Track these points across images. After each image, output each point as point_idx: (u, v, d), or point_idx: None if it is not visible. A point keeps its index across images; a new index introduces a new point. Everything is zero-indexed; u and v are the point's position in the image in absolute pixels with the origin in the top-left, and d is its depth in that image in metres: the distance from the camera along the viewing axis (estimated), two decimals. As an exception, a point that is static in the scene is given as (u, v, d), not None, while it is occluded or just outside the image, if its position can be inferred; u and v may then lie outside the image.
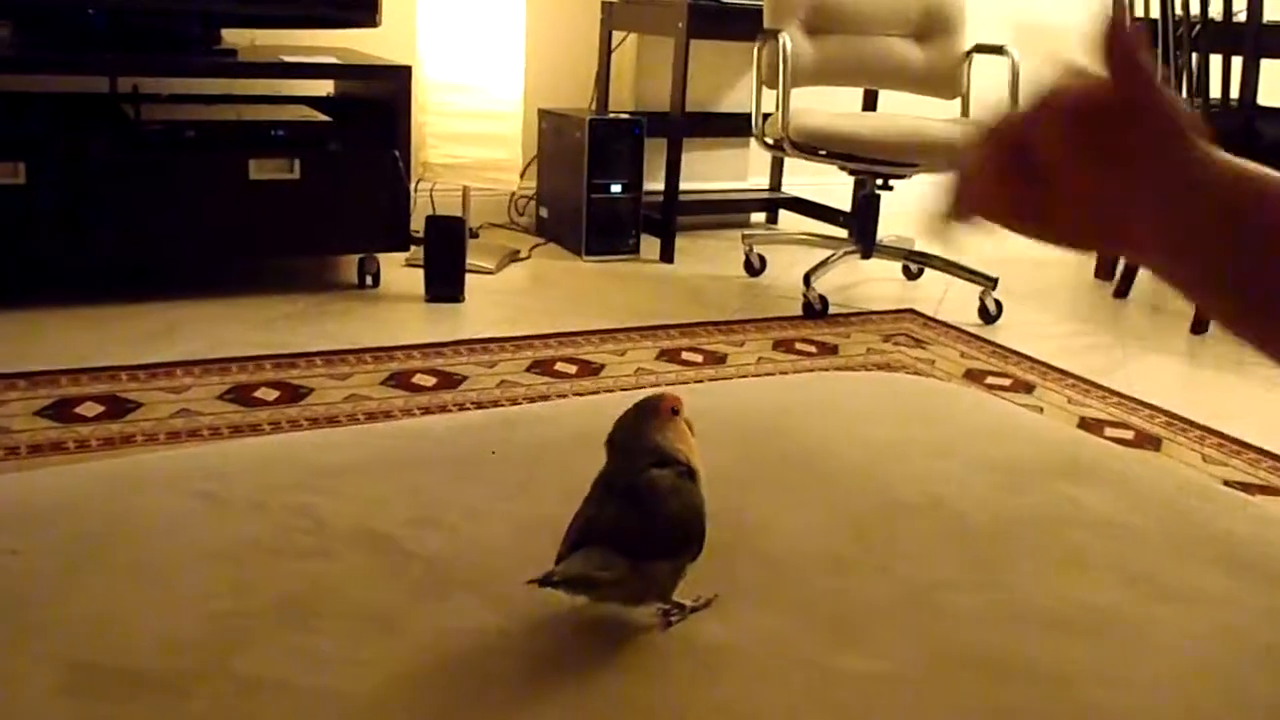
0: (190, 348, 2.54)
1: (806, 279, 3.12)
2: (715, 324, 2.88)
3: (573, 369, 2.56)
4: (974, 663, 0.60)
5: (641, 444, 0.62)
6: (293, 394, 2.32)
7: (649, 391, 0.64)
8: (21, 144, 2.67)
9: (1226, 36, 2.99)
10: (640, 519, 0.60)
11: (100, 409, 2.18)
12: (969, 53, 3.40)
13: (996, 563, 0.71)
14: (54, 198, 2.68)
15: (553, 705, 0.55)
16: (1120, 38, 0.50)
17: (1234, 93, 3.02)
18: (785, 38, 3.12)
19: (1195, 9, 3.03)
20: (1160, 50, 3.18)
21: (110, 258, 2.81)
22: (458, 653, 0.58)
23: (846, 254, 3.31)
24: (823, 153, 3.04)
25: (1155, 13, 3.19)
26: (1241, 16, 2.94)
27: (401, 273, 3.19)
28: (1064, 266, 3.78)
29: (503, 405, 2.25)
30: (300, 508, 0.72)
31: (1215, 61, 3.05)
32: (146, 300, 2.83)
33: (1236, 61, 3.00)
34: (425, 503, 0.74)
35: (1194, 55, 3.10)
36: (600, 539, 0.59)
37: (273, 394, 2.31)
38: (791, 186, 4.18)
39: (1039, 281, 3.46)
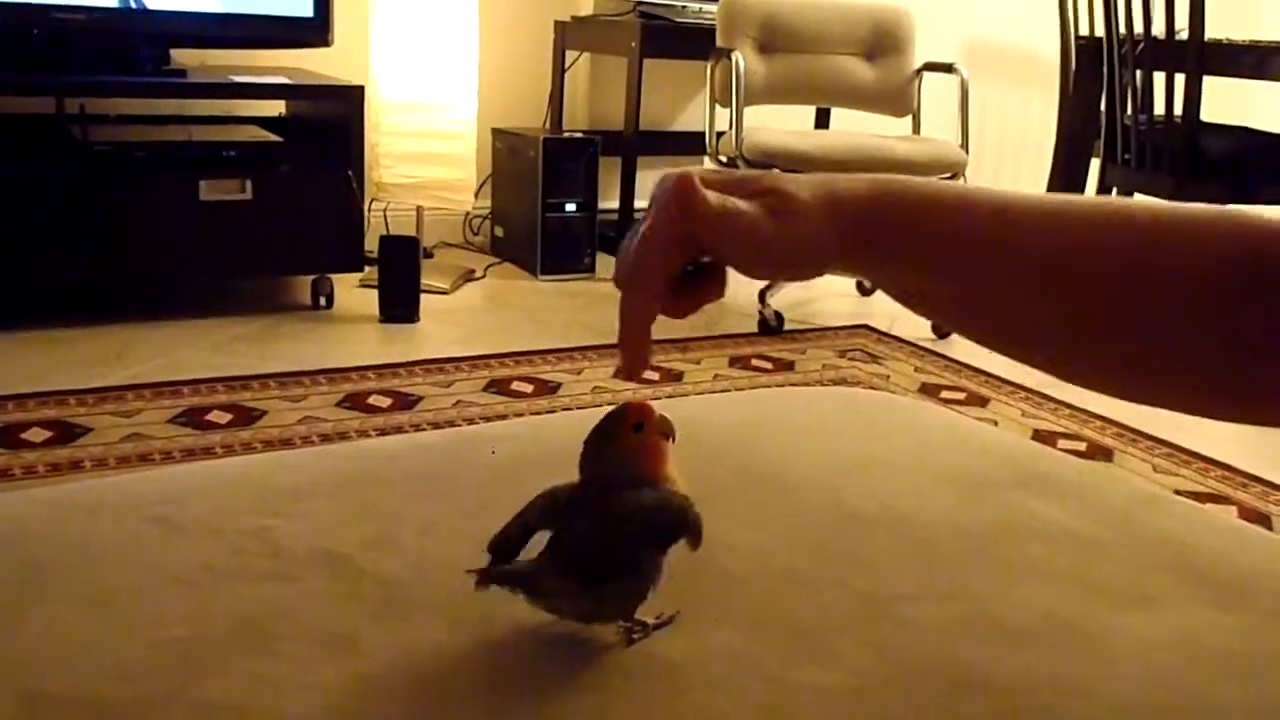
0: (141, 371, 2.51)
1: (761, 296, 3.14)
2: (671, 341, 2.89)
3: (529, 388, 2.55)
4: (934, 674, 0.61)
5: (604, 465, 0.61)
6: (246, 417, 2.29)
7: (605, 409, 0.64)
8: (-34, 166, 2.62)
9: (1170, 55, 3.04)
10: (594, 541, 0.59)
11: (48, 434, 2.14)
12: (919, 71, 3.44)
13: (955, 574, 0.71)
14: (1, 220, 2.64)
15: (515, 725, 0.55)
16: (683, 193, 0.52)
17: (1178, 109, 3.07)
18: (738, 57, 3.14)
19: (1139, 27, 3.09)
20: (1106, 68, 3.23)
21: (58, 280, 2.77)
22: (418, 673, 0.58)
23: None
24: (776, 170, 3.06)
25: (1100, 30, 3.25)
26: (1184, 35, 3.00)
27: (355, 293, 3.17)
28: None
29: (459, 425, 2.24)
30: (256, 531, 0.71)
31: (1159, 79, 3.11)
32: (95, 323, 2.80)
33: (1180, 79, 3.05)
34: (382, 523, 0.73)
35: (1138, 73, 3.15)
36: (557, 552, 0.58)
37: (226, 417, 2.28)
38: (745, 204, 4.20)
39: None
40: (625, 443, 0.60)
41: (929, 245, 0.54)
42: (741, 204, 0.52)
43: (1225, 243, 0.50)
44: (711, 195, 0.52)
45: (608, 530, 0.59)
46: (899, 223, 0.54)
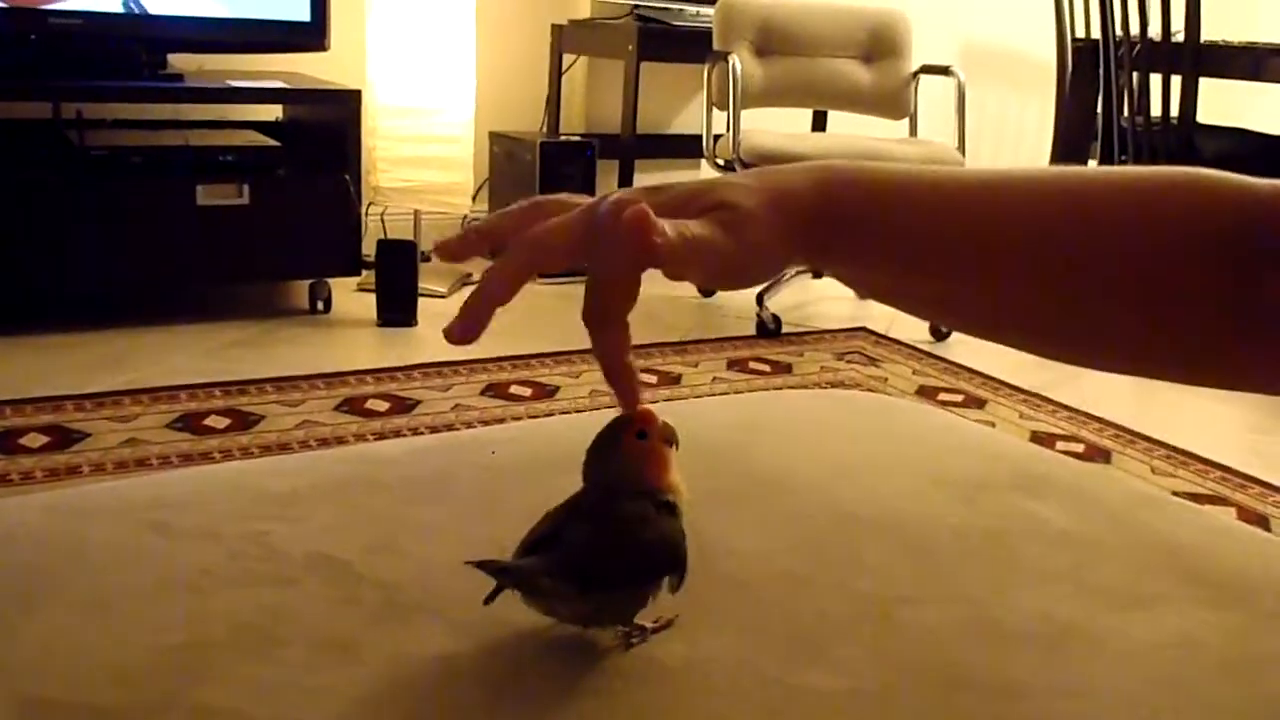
0: (138, 376, 2.50)
1: (759, 298, 3.14)
2: (669, 345, 2.89)
3: (527, 391, 2.55)
4: (934, 676, 0.61)
5: (607, 475, 0.60)
6: (243, 421, 2.29)
7: (606, 414, 0.63)
8: (-37, 171, 2.62)
9: (1166, 56, 3.05)
10: (596, 548, 0.58)
11: (45, 439, 2.14)
12: (916, 73, 3.44)
13: (955, 577, 0.71)
14: (-3, 225, 2.63)
15: (515, 730, 0.54)
16: (634, 233, 0.49)
17: (1174, 111, 3.08)
18: (735, 60, 3.15)
19: (1135, 29, 3.09)
20: (1102, 70, 3.24)
21: (56, 285, 2.77)
22: (417, 678, 0.58)
23: (799, 273, 3.33)
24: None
25: (1096, 33, 3.25)
26: (1180, 36, 3.01)
27: (353, 298, 3.17)
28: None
29: (457, 429, 2.24)
30: (254, 535, 0.71)
31: (1155, 81, 3.11)
32: (93, 328, 2.79)
33: (1176, 80, 3.06)
34: (381, 527, 0.73)
35: (1134, 75, 3.16)
36: (557, 555, 0.58)
37: (223, 422, 2.28)
38: (743, 207, 4.20)
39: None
40: (629, 450, 0.60)
41: (882, 245, 0.54)
42: (697, 230, 0.51)
43: (1221, 210, 0.49)
44: (668, 229, 0.49)
45: (610, 542, 0.59)
46: (849, 224, 0.54)
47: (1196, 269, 0.49)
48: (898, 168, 0.56)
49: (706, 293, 3.46)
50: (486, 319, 0.55)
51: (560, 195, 0.58)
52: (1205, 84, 3.08)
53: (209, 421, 2.27)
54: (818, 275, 3.36)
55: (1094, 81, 3.32)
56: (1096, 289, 0.52)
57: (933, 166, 0.57)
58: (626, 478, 0.60)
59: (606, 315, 0.53)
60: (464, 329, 0.54)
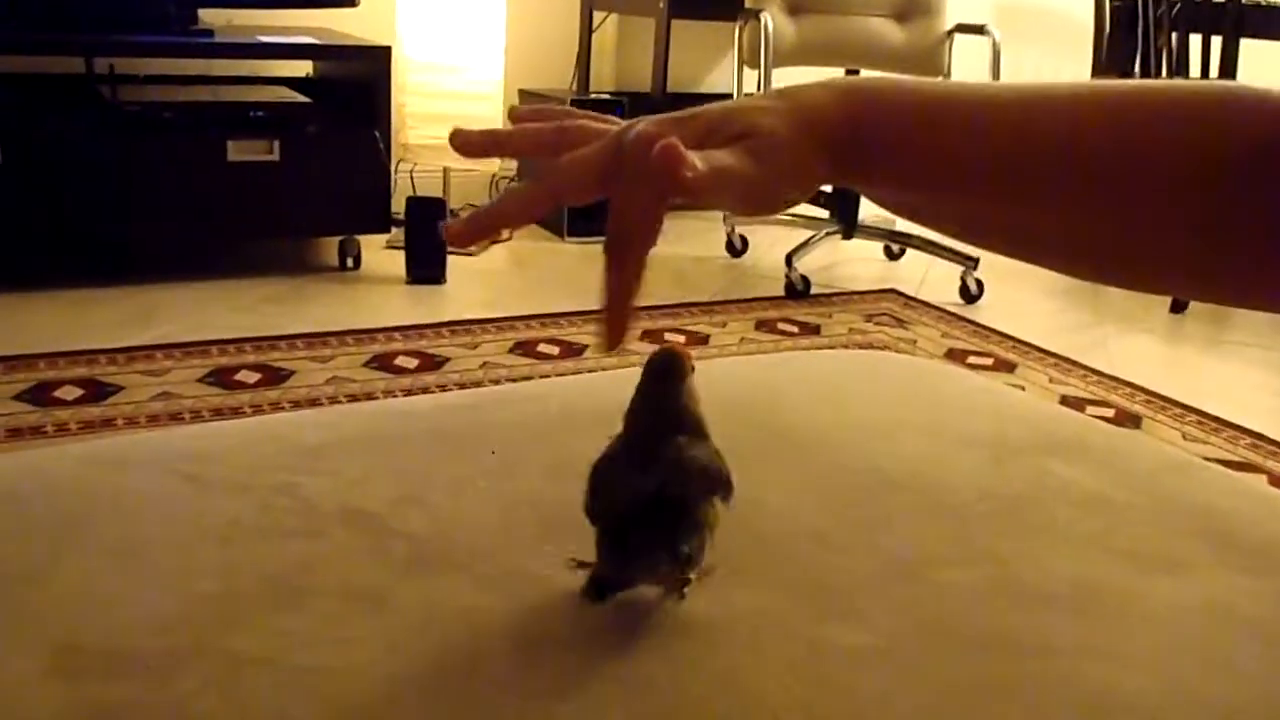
0: (170, 330, 2.52)
1: (788, 259, 3.13)
2: (697, 305, 2.88)
3: (555, 350, 2.55)
4: (961, 637, 0.61)
5: (669, 414, 0.59)
6: (274, 377, 2.31)
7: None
8: (-3, 125, 2.64)
9: (1206, 16, 3.00)
10: (679, 505, 0.58)
11: (80, 392, 2.16)
12: (950, 32, 3.40)
13: (983, 538, 0.71)
14: (31, 180, 2.65)
15: (542, 680, 0.55)
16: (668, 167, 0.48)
17: (1214, 72, 3.02)
18: (766, 18, 3.11)
19: (1175, -12, 3.04)
20: (1140, 30, 3.19)
21: (88, 240, 2.79)
22: (445, 630, 0.58)
23: (828, 234, 3.31)
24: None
25: (1135, -8, 3.20)
26: (1221, -4, 2.95)
27: (382, 254, 3.18)
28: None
29: (485, 386, 2.25)
30: (284, 487, 0.72)
31: (1195, 41, 3.06)
32: (125, 283, 2.81)
33: (1216, 41, 3.00)
34: (410, 481, 0.74)
35: (1173, 35, 3.10)
36: (641, 526, 0.57)
37: (254, 376, 2.30)
38: (773, 167, 4.17)
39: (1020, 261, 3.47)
40: (688, 390, 0.60)
41: (912, 165, 0.53)
42: (727, 159, 0.50)
43: (1261, 123, 0.48)
44: (698, 162, 0.47)
45: (691, 494, 0.58)
46: (878, 144, 0.53)
47: (1233, 183, 0.48)
48: (925, 83, 0.55)
49: (735, 252, 3.45)
50: (490, 233, 0.54)
51: (585, 121, 0.57)
52: (1246, 45, 3.02)
53: (240, 376, 2.29)
54: (848, 236, 3.34)
55: (1132, 42, 3.27)
56: (1135, 207, 0.50)
57: (962, 81, 0.55)
58: (685, 419, 0.59)
59: (628, 248, 0.51)
60: (465, 232, 0.53)
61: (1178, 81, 0.50)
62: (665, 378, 0.59)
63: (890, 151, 0.53)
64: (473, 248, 3.27)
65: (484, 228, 0.53)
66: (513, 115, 0.59)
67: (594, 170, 0.52)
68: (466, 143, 0.57)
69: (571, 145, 0.54)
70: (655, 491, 0.57)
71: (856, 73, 3.91)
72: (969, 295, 3.15)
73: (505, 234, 3.50)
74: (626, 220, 0.51)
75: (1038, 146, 0.51)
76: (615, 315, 0.52)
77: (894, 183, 0.54)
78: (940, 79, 0.54)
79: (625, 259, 0.51)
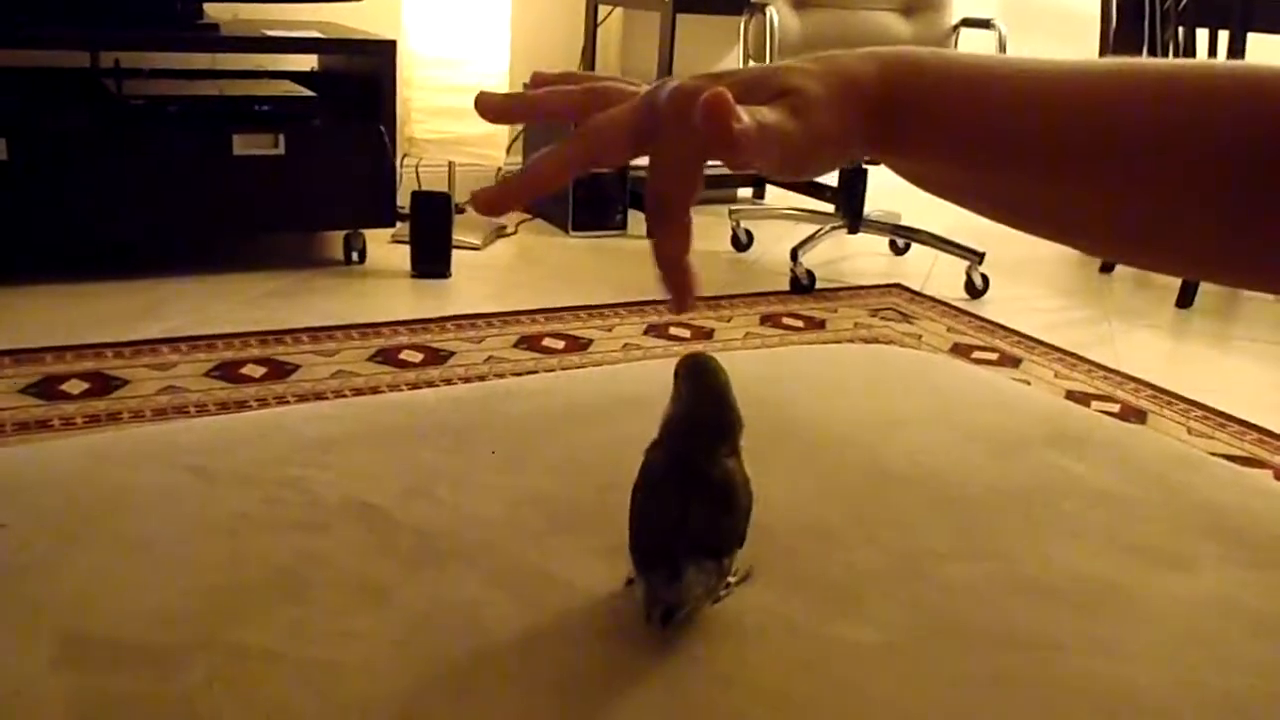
0: (175, 324, 2.53)
1: (793, 254, 3.12)
2: (702, 299, 2.88)
3: (560, 344, 2.55)
4: (966, 631, 0.61)
5: (716, 427, 0.59)
6: (279, 371, 2.31)
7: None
8: (3, 119, 2.64)
9: (1214, 10, 2.99)
10: (727, 519, 0.58)
11: (86, 386, 2.17)
12: (956, 26, 3.39)
13: (988, 532, 0.71)
14: (37, 174, 2.66)
15: (547, 675, 0.55)
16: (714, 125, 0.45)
17: (1220, 66, 3.02)
18: (772, 11, 3.11)
19: (1182, -18, 3.03)
20: (1147, 24, 3.18)
21: (94, 234, 2.79)
22: (451, 623, 0.58)
23: (833, 229, 3.30)
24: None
25: (1142, -14, 3.19)
26: (1228, -10, 2.95)
27: (387, 249, 3.18)
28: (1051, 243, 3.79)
29: (490, 381, 2.25)
30: (290, 481, 0.72)
31: (1202, 36, 3.05)
32: (131, 277, 2.82)
33: (1224, 36, 2.99)
34: (415, 475, 0.74)
35: (1180, 29, 3.09)
36: (692, 546, 0.56)
37: (259, 370, 2.30)
38: (778, 161, 4.17)
39: (1025, 256, 3.47)
40: (727, 396, 0.59)
41: (946, 137, 0.52)
42: (771, 117, 0.48)
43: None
44: (745, 116, 0.45)
45: (736, 509, 0.59)
46: (915, 114, 0.52)
47: (1262, 167, 0.48)
48: (965, 55, 0.54)
49: (740, 247, 3.44)
50: (523, 199, 0.52)
51: (616, 83, 0.55)
52: (1254, 40, 3.01)
53: (245, 370, 2.29)
54: (853, 230, 3.34)
55: (1138, 35, 3.26)
56: (1166, 186, 0.50)
57: (1002, 55, 0.54)
58: (726, 429, 0.59)
59: (670, 206, 0.49)
60: (496, 199, 0.51)
61: (1213, 62, 0.50)
62: (702, 381, 0.59)
63: (928, 122, 0.52)
64: (477, 241, 3.27)
65: (517, 192, 0.51)
66: (535, 80, 0.57)
67: (628, 127, 0.51)
68: (490, 106, 0.55)
69: (601, 107, 0.52)
70: (710, 525, 0.57)
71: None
72: (974, 290, 3.14)
73: (510, 228, 3.50)
74: (667, 179, 0.49)
75: (1072, 123, 0.50)
76: (675, 277, 0.50)
77: (928, 153, 0.53)
78: (981, 52, 0.54)
79: (671, 219, 0.49)
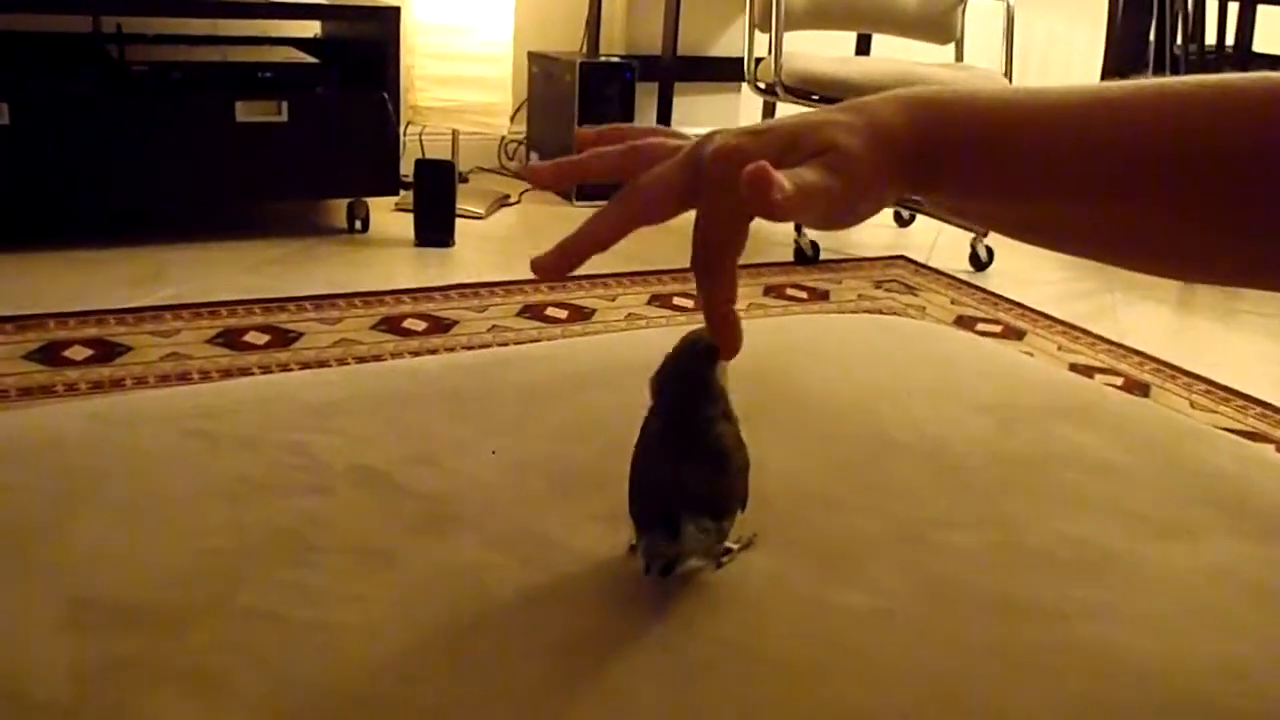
0: (179, 291, 2.53)
1: (798, 225, 3.11)
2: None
3: (564, 314, 2.55)
4: (969, 599, 0.61)
5: (705, 391, 0.60)
6: (282, 338, 2.31)
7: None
8: (5, 85, 2.63)
9: (1223, -19, 2.97)
10: (723, 479, 0.59)
11: (89, 352, 2.17)
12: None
13: (990, 501, 0.71)
14: (39, 140, 2.65)
15: (548, 637, 0.55)
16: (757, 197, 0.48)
17: (1230, 39, 3.00)
18: (778, -20, 3.09)
19: (1192, -47, 3.01)
20: (1156, -5, 3.15)
21: (96, 200, 2.79)
22: (455, 587, 0.59)
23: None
24: (815, 97, 3.02)
25: (1152, -43, 3.17)
26: (1238, -39, 2.92)
27: (391, 217, 3.17)
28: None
29: (493, 349, 2.25)
30: (294, 445, 0.72)
31: (1211, 7, 3.03)
32: (134, 243, 2.82)
33: (1233, 7, 2.97)
34: (419, 440, 0.74)
35: (1189, 0, 3.07)
36: (690, 504, 0.57)
37: (262, 338, 2.30)
38: (783, 132, 4.15)
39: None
40: (722, 368, 0.60)
41: (981, 174, 0.54)
42: (811, 177, 0.50)
43: None
44: (786, 183, 0.48)
45: (730, 469, 0.59)
46: (946, 157, 0.54)
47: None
48: (987, 91, 0.56)
49: (744, 218, 3.43)
50: (580, 260, 0.55)
51: (656, 138, 0.57)
52: (1263, 11, 2.99)
53: (248, 338, 2.29)
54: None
55: (1147, 7, 3.24)
56: (1193, 203, 0.51)
57: (1024, 86, 0.56)
58: (717, 397, 0.60)
59: (715, 263, 0.52)
60: (556, 264, 0.54)
61: (1230, 76, 0.50)
62: (706, 358, 0.60)
63: (957, 164, 0.54)
64: (480, 210, 3.26)
65: (576, 257, 0.54)
66: (580, 138, 0.60)
67: (674, 188, 0.53)
68: (540, 177, 0.59)
69: (646, 164, 0.55)
70: (706, 484, 0.58)
71: (868, 37, 3.88)
72: (979, 262, 3.14)
73: (513, 197, 3.49)
74: (714, 232, 0.52)
75: (1095, 151, 0.52)
76: (722, 326, 0.54)
77: (959, 192, 0.55)
78: (1006, 86, 0.57)
79: (719, 271, 0.52)
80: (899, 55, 3.45)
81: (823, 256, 3.11)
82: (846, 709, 0.52)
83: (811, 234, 3.10)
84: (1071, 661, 0.56)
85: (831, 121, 0.53)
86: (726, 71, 3.76)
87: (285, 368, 2.18)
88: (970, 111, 0.54)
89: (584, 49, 3.79)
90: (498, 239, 3.14)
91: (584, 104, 3.41)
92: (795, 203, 0.48)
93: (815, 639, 0.57)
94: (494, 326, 2.45)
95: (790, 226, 3.11)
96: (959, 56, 3.39)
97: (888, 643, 0.57)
